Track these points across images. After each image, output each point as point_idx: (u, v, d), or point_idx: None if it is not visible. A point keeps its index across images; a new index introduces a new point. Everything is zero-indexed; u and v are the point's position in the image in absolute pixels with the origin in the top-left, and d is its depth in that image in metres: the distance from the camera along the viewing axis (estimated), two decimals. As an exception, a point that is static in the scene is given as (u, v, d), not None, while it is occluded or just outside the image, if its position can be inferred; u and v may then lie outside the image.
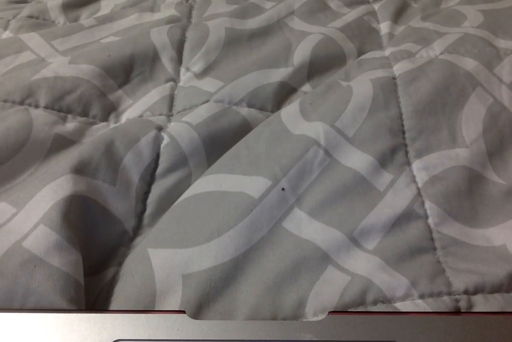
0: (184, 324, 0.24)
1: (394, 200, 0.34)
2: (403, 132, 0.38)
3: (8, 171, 0.37)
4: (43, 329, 0.24)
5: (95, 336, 0.24)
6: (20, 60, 0.49)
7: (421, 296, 0.29)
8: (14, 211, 0.32)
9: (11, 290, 0.28)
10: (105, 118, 0.44)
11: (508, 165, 0.37)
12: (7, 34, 0.56)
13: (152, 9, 0.59)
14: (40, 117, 0.40)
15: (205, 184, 0.36)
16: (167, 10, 0.58)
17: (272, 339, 0.23)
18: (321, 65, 0.49)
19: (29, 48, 0.50)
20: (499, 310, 0.28)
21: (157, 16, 0.57)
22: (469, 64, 0.42)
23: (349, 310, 0.29)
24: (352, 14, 0.55)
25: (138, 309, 0.30)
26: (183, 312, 0.24)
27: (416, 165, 0.36)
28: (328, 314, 0.24)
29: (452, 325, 0.24)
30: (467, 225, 0.33)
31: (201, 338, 0.23)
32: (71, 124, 0.41)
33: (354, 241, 0.32)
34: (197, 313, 0.29)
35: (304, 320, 0.29)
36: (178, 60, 0.49)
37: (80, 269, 0.30)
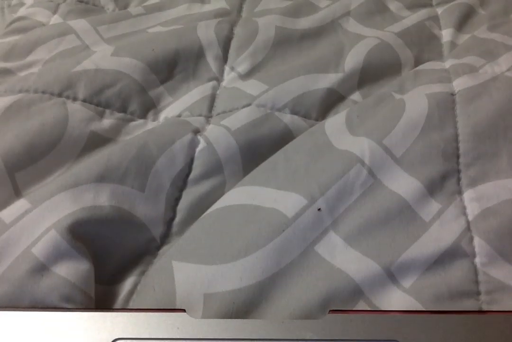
0: (184, 323, 0.24)
1: (440, 233, 0.31)
2: (458, 157, 0.35)
3: (41, 170, 0.36)
4: (43, 327, 0.24)
5: (95, 334, 0.24)
6: (64, 45, 0.48)
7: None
8: (29, 206, 0.32)
9: (17, 298, 0.27)
10: (143, 115, 0.42)
11: None
12: (55, 18, 0.55)
13: (202, 0, 0.57)
14: (77, 112, 0.39)
15: (238, 195, 0.35)
16: (218, 2, 0.56)
17: (273, 338, 0.23)
18: (374, 72, 0.46)
19: (74, 32, 0.49)
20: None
21: (207, 7, 0.55)
22: None
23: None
24: (412, 18, 0.52)
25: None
26: (183, 310, 0.24)
27: (468, 195, 0.33)
28: (329, 312, 0.24)
29: (454, 324, 0.23)
30: None
31: (201, 337, 0.23)
32: (108, 121, 0.40)
33: (391, 275, 0.30)
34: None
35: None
36: (224, 58, 0.47)
37: (89, 279, 0.30)
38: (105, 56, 0.44)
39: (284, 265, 0.30)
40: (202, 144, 0.38)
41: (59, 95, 0.40)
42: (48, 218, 0.30)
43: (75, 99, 0.40)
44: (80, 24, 0.50)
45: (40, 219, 0.30)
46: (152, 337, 0.23)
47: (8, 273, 0.28)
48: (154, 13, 0.54)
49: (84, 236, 0.30)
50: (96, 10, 0.57)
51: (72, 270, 0.29)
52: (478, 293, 0.29)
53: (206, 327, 0.23)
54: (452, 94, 0.39)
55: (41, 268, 0.28)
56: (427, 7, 0.55)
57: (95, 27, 0.50)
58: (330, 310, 0.24)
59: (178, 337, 0.23)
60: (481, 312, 0.26)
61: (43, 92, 0.40)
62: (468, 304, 0.28)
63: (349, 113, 0.39)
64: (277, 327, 0.23)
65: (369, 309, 0.28)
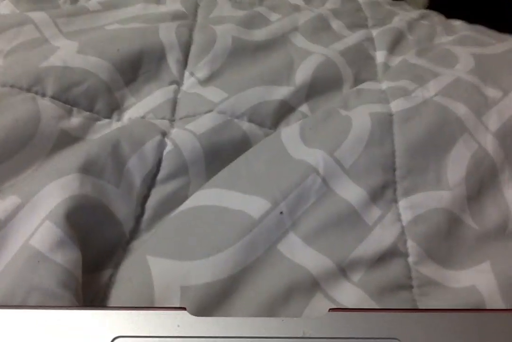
0: (184, 321, 0.24)
1: (381, 235, 0.37)
2: (394, 170, 0.41)
3: (15, 165, 0.37)
4: (42, 326, 0.24)
5: (96, 332, 0.24)
6: (23, 36, 0.48)
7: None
8: (20, 202, 0.33)
9: (14, 285, 0.29)
10: (108, 115, 0.44)
11: (483, 211, 0.40)
12: (5, 4, 0.54)
13: (157, 1, 0.58)
14: (48, 109, 0.40)
15: (206, 197, 0.38)
16: (173, 4, 0.58)
17: (273, 336, 0.23)
18: (320, 87, 0.51)
19: (33, 22, 0.49)
20: None
21: (162, 8, 0.57)
22: (460, 109, 0.45)
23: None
24: (352, 38, 0.58)
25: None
26: (183, 308, 0.24)
27: (402, 203, 0.39)
28: (328, 311, 0.24)
29: (453, 322, 0.24)
30: (443, 266, 0.36)
31: (202, 335, 0.23)
32: (76, 119, 0.41)
33: (343, 271, 0.35)
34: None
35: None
36: (184, 63, 0.50)
37: (80, 267, 0.31)
38: (71, 53, 0.45)
39: (251, 261, 0.34)
40: (169, 147, 0.41)
41: (28, 90, 0.41)
42: (41, 210, 0.32)
43: (43, 95, 0.41)
44: (38, 15, 0.50)
45: (33, 212, 0.32)
46: (152, 335, 0.23)
47: (10, 268, 0.29)
48: (111, 10, 0.55)
49: (75, 224, 0.32)
50: (47, 1, 0.57)
51: (67, 257, 0.30)
52: (411, 287, 0.35)
53: (206, 325, 0.24)
54: (390, 115, 0.45)
55: (38, 256, 0.30)
56: (364, 28, 0.61)
57: (54, 20, 0.50)
58: (330, 309, 0.24)
59: (178, 335, 0.23)
60: (481, 310, 0.27)
61: (12, 86, 0.41)
62: (403, 296, 0.34)
63: (302, 125, 0.44)
64: (277, 325, 0.24)
65: (325, 299, 0.33)
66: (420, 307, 0.34)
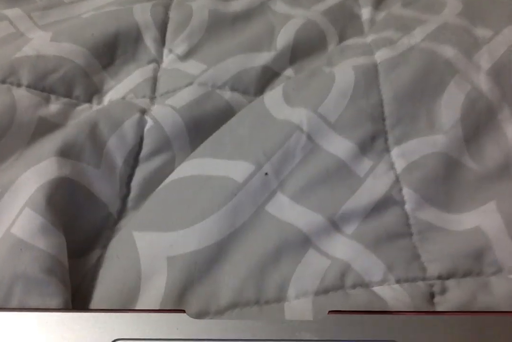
0: (184, 323, 0.24)
1: (374, 186, 0.35)
2: (383, 119, 0.39)
3: None
4: (41, 328, 0.24)
5: (94, 335, 0.24)
6: (-1, 33, 0.48)
7: (398, 281, 0.30)
8: None
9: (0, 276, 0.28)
10: (88, 99, 0.43)
11: (483, 151, 0.38)
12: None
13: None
14: (24, 99, 0.40)
15: (190, 168, 0.37)
16: None
17: (272, 338, 0.23)
18: (304, 49, 0.49)
19: (7, 18, 0.49)
20: (471, 295, 0.30)
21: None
22: (449, 52, 0.43)
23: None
24: (334, -1, 0.56)
25: (124, 290, 0.30)
26: (183, 311, 0.24)
27: (394, 152, 0.37)
28: (328, 313, 0.24)
29: (453, 325, 0.24)
30: (443, 210, 0.34)
31: (201, 337, 0.23)
32: (54, 106, 0.41)
33: (335, 225, 0.33)
34: (182, 294, 0.30)
35: (286, 302, 0.30)
36: (161, 41, 0.49)
37: (64, 251, 0.31)
38: (44, 41, 0.44)
39: (239, 225, 0.33)
40: (149, 124, 0.40)
41: (3, 82, 0.41)
42: (20, 198, 0.31)
43: (19, 85, 0.41)
44: (12, 11, 0.50)
45: (13, 200, 0.31)
46: (152, 337, 0.24)
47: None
48: (87, 0, 0.54)
49: (56, 209, 0.32)
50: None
51: (50, 243, 0.30)
52: (411, 234, 0.33)
53: (205, 328, 0.24)
54: (375, 65, 0.43)
55: (20, 244, 0.29)
56: (347, -12, 0.59)
57: (29, 14, 0.50)
58: (329, 311, 0.24)
59: (177, 337, 0.24)
60: (481, 312, 0.26)
61: (-14, 80, 0.41)
62: (402, 244, 0.32)
63: (285, 87, 0.42)
64: (276, 327, 0.24)
65: (318, 255, 0.32)
66: (423, 258, 0.32)
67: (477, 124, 0.39)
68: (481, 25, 0.47)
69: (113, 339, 0.23)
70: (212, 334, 0.23)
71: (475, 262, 0.32)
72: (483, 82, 0.41)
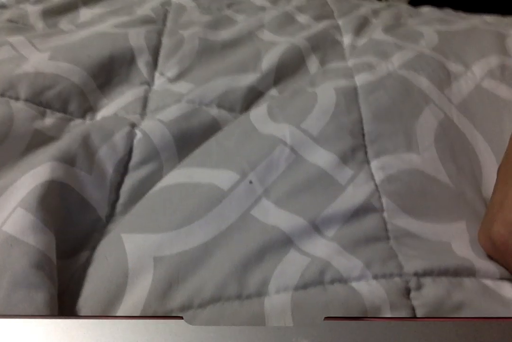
0: (181, 330, 0.24)
1: (354, 193, 0.37)
2: (363, 135, 0.41)
3: None
4: (39, 335, 0.24)
5: None
6: (0, 55, 0.50)
7: (375, 277, 0.32)
8: None
9: None
10: (81, 115, 0.45)
11: (459, 172, 0.40)
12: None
13: (129, 14, 0.61)
14: (21, 111, 0.41)
15: (177, 176, 0.39)
16: (143, 11, 0.60)
17: None
18: (287, 71, 0.52)
19: (9, 43, 0.51)
20: (446, 292, 0.31)
21: (132, 16, 0.60)
22: (423, 82, 0.46)
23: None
24: (318, 27, 0.59)
25: (111, 288, 0.31)
26: (180, 317, 0.24)
27: (374, 164, 0.39)
28: (324, 319, 0.24)
29: (449, 331, 0.23)
30: (419, 220, 0.36)
31: None
32: (49, 120, 0.43)
33: (316, 228, 0.34)
34: (167, 291, 0.31)
35: (267, 297, 0.31)
36: (153, 65, 0.52)
37: (53, 249, 0.32)
38: (43, 60, 0.47)
39: (224, 228, 0.34)
40: (139, 135, 0.41)
41: (2, 95, 0.42)
42: (13, 200, 0.33)
43: (17, 99, 0.43)
44: (15, 38, 0.52)
45: (7, 204, 0.33)
46: None
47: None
48: (85, 28, 0.57)
49: (47, 209, 0.33)
50: (26, 29, 0.59)
51: (39, 239, 0.30)
52: (388, 238, 0.34)
53: (202, 334, 0.24)
54: (355, 88, 0.45)
55: (11, 240, 0.30)
56: (330, 19, 0.63)
57: (30, 40, 0.53)
58: (326, 317, 0.24)
59: None
60: (479, 318, 0.26)
61: (-14, 93, 0.43)
62: (380, 246, 0.34)
63: (270, 104, 0.45)
64: (273, 333, 0.24)
65: (298, 254, 0.33)
66: (399, 257, 0.33)
67: (451, 147, 0.42)
68: (454, 60, 0.50)
69: (110, 346, 0.23)
70: (210, 340, 0.24)
71: (451, 266, 0.33)
72: (454, 114, 0.44)
